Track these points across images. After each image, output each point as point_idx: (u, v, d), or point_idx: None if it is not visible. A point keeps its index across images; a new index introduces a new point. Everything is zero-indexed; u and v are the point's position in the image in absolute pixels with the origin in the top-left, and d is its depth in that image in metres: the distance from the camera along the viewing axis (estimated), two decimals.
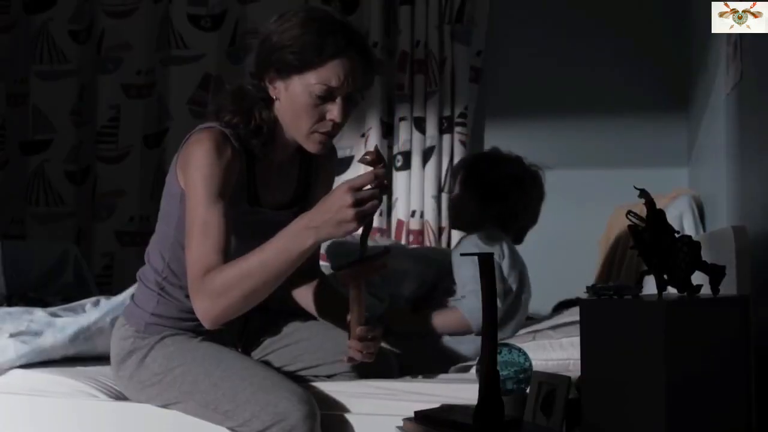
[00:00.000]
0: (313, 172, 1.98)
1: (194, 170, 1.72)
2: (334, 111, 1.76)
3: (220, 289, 1.65)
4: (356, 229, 1.61)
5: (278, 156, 1.88)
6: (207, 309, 1.68)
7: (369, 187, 1.60)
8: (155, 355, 1.84)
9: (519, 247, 2.38)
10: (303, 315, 2.04)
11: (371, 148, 1.69)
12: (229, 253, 1.70)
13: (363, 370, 1.93)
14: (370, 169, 1.61)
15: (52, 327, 2.16)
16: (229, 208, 1.73)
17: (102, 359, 2.09)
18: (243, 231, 1.80)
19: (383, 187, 1.60)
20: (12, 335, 2.05)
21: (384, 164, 1.62)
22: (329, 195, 1.62)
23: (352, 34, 1.77)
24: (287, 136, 1.84)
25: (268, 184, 1.87)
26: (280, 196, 1.91)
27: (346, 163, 3.32)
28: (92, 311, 2.15)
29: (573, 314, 2.18)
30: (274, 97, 1.80)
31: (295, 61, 1.73)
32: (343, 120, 1.77)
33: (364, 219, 1.59)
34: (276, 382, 1.78)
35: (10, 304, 2.55)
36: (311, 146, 1.80)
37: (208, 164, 1.71)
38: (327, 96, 1.75)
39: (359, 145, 3.31)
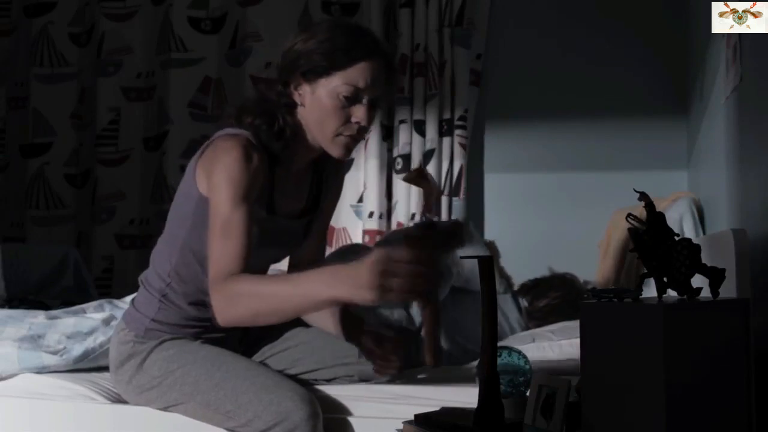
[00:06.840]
0: (324, 183, 1.98)
1: (221, 177, 1.69)
2: (359, 113, 1.77)
3: (237, 297, 1.61)
4: (373, 302, 1.44)
5: (296, 164, 1.87)
6: (221, 309, 1.63)
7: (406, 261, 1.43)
8: (155, 358, 1.84)
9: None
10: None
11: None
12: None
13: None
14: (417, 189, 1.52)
15: (53, 329, 2.16)
16: (253, 212, 1.70)
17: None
18: (257, 238, 1.79)
19: (427, 266, 1.44)
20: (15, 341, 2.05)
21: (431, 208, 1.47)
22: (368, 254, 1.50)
23: (378, 40, 1.81)
24: (310, 141, 1.83)
25: (284, 193, 1.86)
26: (293, 205, 1.91)
27: (346, 166, 3.32)
28: (99, 334, 2.11)
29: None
30: (299, 103, 1.80)
31: (323, 62, 1.74)
32: (368, 123, 1.79)
33: (384, 293, 1.42)
34: (278, 382, 1.77)
35: (10, 308, 2.54)
36: (336, 150, 1.80)
37: (237, 172, 1.68)
38: (353, 98, 1.76)
39: (359, 148, 3.30)
